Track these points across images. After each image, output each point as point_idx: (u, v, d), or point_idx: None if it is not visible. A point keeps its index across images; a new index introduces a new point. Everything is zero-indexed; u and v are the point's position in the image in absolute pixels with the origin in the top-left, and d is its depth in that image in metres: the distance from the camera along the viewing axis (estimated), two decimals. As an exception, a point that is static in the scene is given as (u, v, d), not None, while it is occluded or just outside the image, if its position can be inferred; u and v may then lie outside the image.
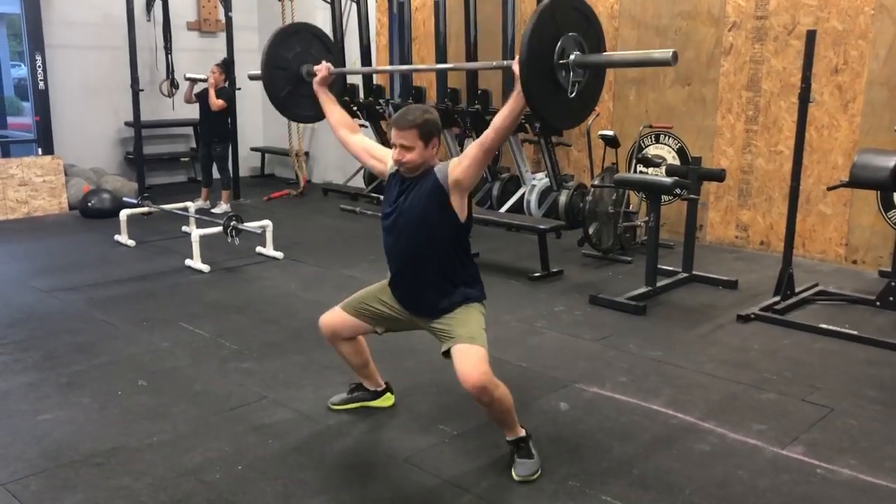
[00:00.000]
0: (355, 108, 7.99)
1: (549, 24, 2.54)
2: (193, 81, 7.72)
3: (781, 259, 4.92)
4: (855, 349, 4.15)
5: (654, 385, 3.66)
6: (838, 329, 4.35)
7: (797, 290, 4.96)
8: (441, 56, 7.37)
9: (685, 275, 5.35)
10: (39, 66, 7.87)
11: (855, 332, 4.29)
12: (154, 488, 2.73)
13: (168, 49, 8.91)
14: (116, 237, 6.46)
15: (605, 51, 2.79)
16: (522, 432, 2.88)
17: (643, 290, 4.94)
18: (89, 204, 7.50)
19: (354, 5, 8.03)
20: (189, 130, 9.47)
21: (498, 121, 2.66)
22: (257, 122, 10.00)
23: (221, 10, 8.63)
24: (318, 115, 3.48)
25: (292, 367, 3.84)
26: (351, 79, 8.07)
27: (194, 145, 9.43)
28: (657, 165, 6.08)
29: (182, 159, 9.67)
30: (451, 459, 2.95)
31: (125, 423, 3.24)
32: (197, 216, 6.55)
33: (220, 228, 5.83)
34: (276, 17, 8.77)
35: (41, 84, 7.92)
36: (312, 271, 5.68)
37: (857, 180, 4.54)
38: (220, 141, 7.74)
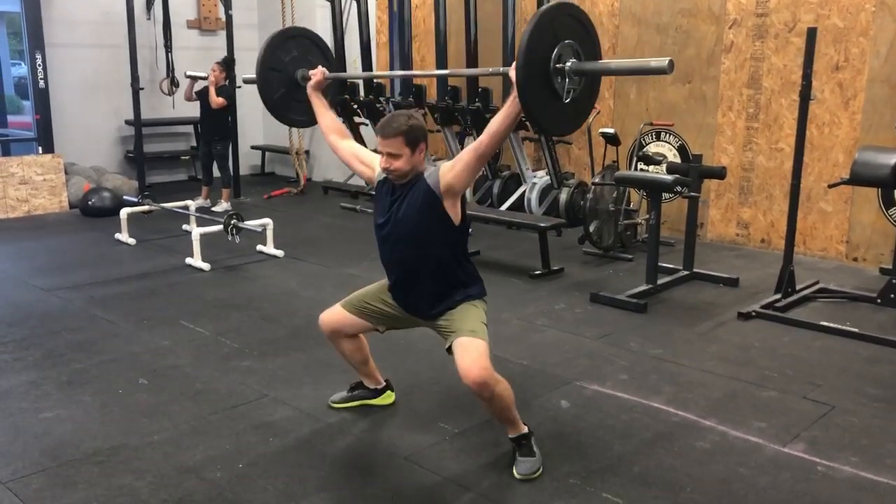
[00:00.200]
0: (355, 107, 7.99)
1: (546, 32, 2.56)
2: (194, 79, 7.72)
3: (782, 257, 4.92)
4: (856, 346, 4.15)
5: (655, 383, 3.66)
6: (839, 326, 4.35)
7: (798, 287, 4.95)
8: (441, 54, 7.36)
9: (686, 272, 5.35)
10: (39, 65, 7.86)
11: (856, 330, 4.29)
12: (155, 486, 2.73)
13: (168, 47, 8.90)
14: (117, 236, 6.46)
15: (601, 59, 2.80)
16: (524, 429, 2.87)
17: (644, 287, 4.94)
18: (90, 202, 7.50)
19: (354, 3, 8.03)
20: (189, 129, 9.46)
21: (493, 126, 2.65)
22: (258, 120, 9.99)
23: (221, 8, 8.62)
24: (310, 120, 3.48)
25: (293, 365, 3.85)
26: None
27: (195, 144, 9.43)
28: (658, 163, 6.08)
29: (182, 158, 9.67)
30: (452, 457, 2.95)
31: (126, 421, 3.24)
32: (197, 214, 6.55)
33: (220, 227, 5.83)
34: (276, 15, 8.76)
35: (41, 82, 7.91)
36: (313, 269, 5.68)
37: (858, 178, 4.53)
38: (220, 139, 7.74)
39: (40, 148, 8.00)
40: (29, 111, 9.09)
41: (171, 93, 8.93)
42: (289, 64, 3.59)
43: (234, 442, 3.06)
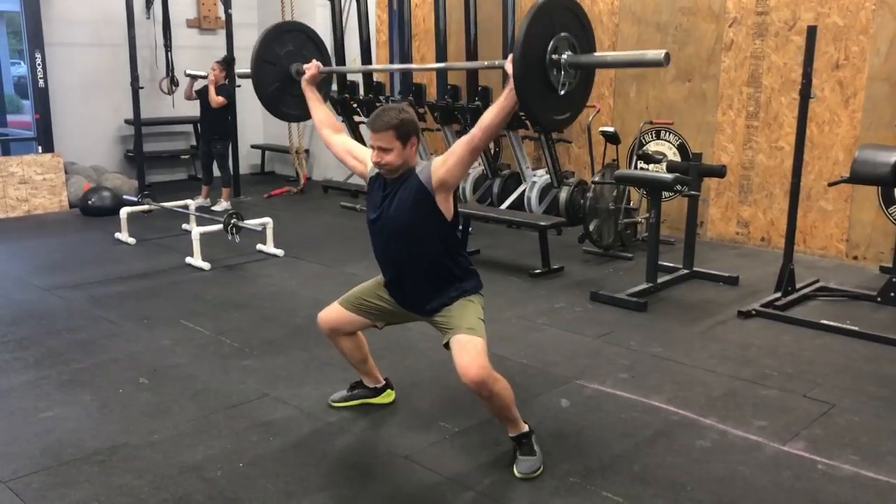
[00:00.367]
0: (355, 106, 7.99)
1: (543, 24, 2.55)
2: (194, 78, 7.73)
3: (782, 255, 4.92)
4: (856, 345, 4.15)
5: (655, 381, 3.66)
6: (839, 325, 4.35)
7: (798, 286, 4.95)
8: (441, 53, 7.36)
9: (686, 271, 5.35)
10: (39, 64, 7.86)
11: (856, 328, 4.29)
12: (155, 486, 2.73)
13: (168, 46, 8.90)
14: (117, 235, 6.46)
15: (596, 52, 2.80)
16: (525, 428, 2.87)
17: (644, 286, 4.94)
18: (89, 202, 7.50)
19: (354, 2, 8.02)
20: (189, 128, 9.46)
21: (487, 119, 2.64)
22: (257, 119, 9.98)
23: (221, 8, 8.62)
24: (304, 114, 3.47)
25: (293, 364, 3.85)
26: (351, 76, 8.07)
27: (194, 143, 9.43)
28: (658, 162, 6.08)
29: (182, 157, 9.66)
30: (453, 456, 2.95)
31: (126, 420, 3.24)
32: (197, 214, 6.55)
33: (220, 226, 5.84)
34: (276, 14, 8.75)
35: (41, 82, 7.91)
36: (313, 268, 5.68)
37: (858, 176, 4.53)
38: (220, 138, 7.74)
39: (40, 147, 8.00)
40: (28, 110, 9.08)
41: (170, 92, 8.93)
42: (284, 58, 3.56)
43: (235, 441, 3.06)
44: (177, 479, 2.77)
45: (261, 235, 6.01)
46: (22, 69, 10.77)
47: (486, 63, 3.49)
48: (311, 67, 3.31)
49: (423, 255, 2.84)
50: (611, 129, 6.27)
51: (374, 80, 7.89)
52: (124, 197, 7.09)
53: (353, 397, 3.35)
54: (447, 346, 2.81)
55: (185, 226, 6.61)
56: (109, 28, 8.51)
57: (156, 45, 8.90)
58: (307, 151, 9.61)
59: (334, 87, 8.10)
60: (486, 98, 6.89)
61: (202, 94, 7.56)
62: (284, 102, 3.64)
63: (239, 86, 7.94)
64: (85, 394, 3.49)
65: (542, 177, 7.06)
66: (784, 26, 5.98)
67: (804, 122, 4.70)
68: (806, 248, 6.03)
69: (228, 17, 8.36)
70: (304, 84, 3.33)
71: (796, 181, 4.80)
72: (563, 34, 2.60)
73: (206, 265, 5.61)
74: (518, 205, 7.02)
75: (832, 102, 5.80)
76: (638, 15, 6.76)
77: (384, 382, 3.38)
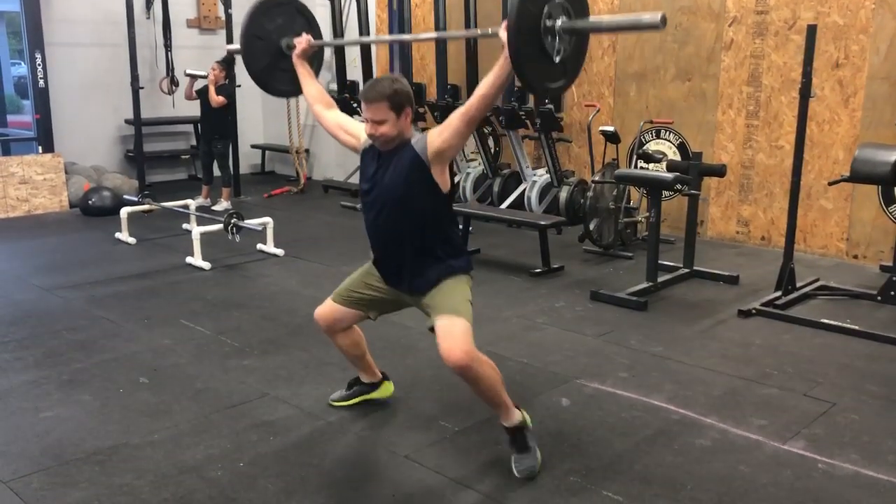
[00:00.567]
0: (356, 105, 7.98)
1: None
2: (194, 78, 7.72)
3: (782, 254, 4.92)
4: (856, 344, 4.15)
5: (656, 380, 3.66)
6: (839, 324, 4.35)
7: (798, 285, 4.95)
8: (441, 53, 7.37)
9: (686, 270, 5.35)
10: (39, 64, 7.87)
11: (856, 327, 4.29)
12: (156, 485, 2.73)
13: (168, 46, 8.90)
14: (117, 235, 6.46)
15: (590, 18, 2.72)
16: (517, 417, 2.82)
17: (644, 285, 4.94)
18: (90, 202, 7.50)
19: (354, 2, 8.02)
20: (189, 128, 9.46)
21: (482, 88, 2.58)
22: (258, 119, 9.99)
23: (221, 7, 8.62)
24: (296, 89, 3.39)
25: (293, 363, 3.85)
26: (351, 75, 8.07)
27: (195, 143, 9.43)
28: (658, 161, 6.08)
29: (182, 157, 9.66)
30: (453, 456, 2.95)
31: (126, 420, 3.24)
32: (197, 213, 6.55)
33: (220, 226, 5.84)
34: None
35: (41, 82, 7.92)
36: (313, 268, 5.68)
37: (858, 175, 4.53)
38: (220, 138, 7.74)
39: (40, 147, 8.00)
40: (29, 111, 9.09)
41: (170, 92, 8.93)
42: (273, 32, 3.47)
43: (235, 441, 3.06)
44: (177, 479, 2.77)
45: (261, 235, 6.01)
46: (22, 69, 10.77)
47: (479, 31, 3.41)
48: (302, 42, 3.25)
49: (415, 227, 2.78)
50: (611, 128, 6.27)
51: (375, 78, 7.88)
52: (125, 197, 7.09)
53: (352, 395, 3.34)
54: (433, 329, 2.76)
55: (185, 226, 6.61)
56: (109, 28, 8.51)
57: (156, 45, 8.90)
58: (307, 151, 9.61)
59: (334, 86, 8.13)
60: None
61: (202, 94, 7.56)
62: (276, 78, 3.55)
63: (239, 85, 7.94)
64: (85, 394, 3.49)
65: (542, 176, 7.06)
66: (784, 25, 5.98)
67: (804, 121, 4.70)
68: (806, 247, 6.03)
69: (228, 16, 8.35)
70: (295, 59, 3.27)
71: (796, 180, 4.80)
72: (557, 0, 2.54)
73: (206, 265, 5.61)
74: (518, 204, 7.02)
75: (832, 101, 5.80)
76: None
77: (381, 376, 3.36)
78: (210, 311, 4.69)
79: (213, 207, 7.60)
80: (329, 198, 8.49)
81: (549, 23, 2.53)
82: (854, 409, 3.36)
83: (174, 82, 8.91)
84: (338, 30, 8.07)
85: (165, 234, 6.64)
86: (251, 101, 9.30)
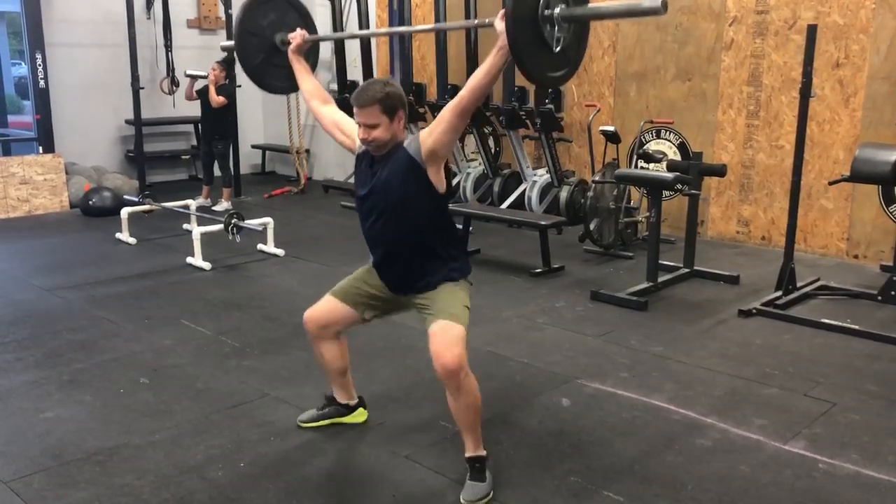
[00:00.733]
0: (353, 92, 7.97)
1: None
2: (194, 78, 7.73)
3: (783, 254, 4.91)
4: (857, 344, 4.15)
5: (656, 380, 3.66)
6: (840, 324, 4.34)
7: (799, 284, 4.95)
8: (441, 54, 7.37)
9: (686, 270, 5.35)
10: (40, 65, 7.87)
11: (857, 327, 4.29)
12: (156, 486, 2.73)
13: (168, 47, 8.90)
14: (117, 235, 6.46)
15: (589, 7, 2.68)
16: (483, 451, 2.74)
17: (644, 285, 4.93)
18: (90, 202, 7.50)
19: (354, 2, 8.02)
20: (190, 128, 9.46)
21: (474, 80, 2.50)
22: (258, 119, 9.99)
23: (221, 8, 8.62)
24: (292, 86, 3.34)
25: (294, 363, 3.85)
26: (352, 76, 8.07)
27: (195, 143, 9.43)
28: (658, 161, 6.08)
29: (183, 157, 9.66)
30: (454, 456, 2.94)
31: (127, 420, 3.24)
32: (198, 214, 6.55)
33: (221, 226, 5.84)
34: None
35: (41, 82, 7.92)
36: (313, 268, 5.68)
37: (859, 175, 4.53)
38: (221, 138, 7.74)
39: (41, 148, 8.01)
40: (29, 111, 9.10)
41: (171, 92, 8.93)
42: (266, 28, 3.42)
43: (236, 441, 3.06)
44: (178, 479, 2.77)
45: (261, 235, 6.01)
46: (23, 70, 10.77)
47: (475, 21, 3.37)
48: (297, 37, 3.16)
49: (413, 231, 2.73)
50: (611, 128, 6.27)
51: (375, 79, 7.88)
52: (125, 197, 7.09)
53: (323, 416, 3.19)
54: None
55: (185, 226, 6.61)
56: (110, 28, 8.51)
57: (156, 46, 8.90)
58: (308, 151, 9.61)
59: (335, 86, 8.12)
60: (487, 98, 6.90)
61: (203, 95, 7.57)
62: (271, 74, 3.50)
63: (239, 86, 7.94)
64: (86, 394, 3.50)
65: (542, 176, 7.06)
66: (784, 25, 5.98)
67: (804, 120, 4.70)
68: (806, 246, 6.02)
69: (229, 17, 8.35)
70: (290, 54, 3.20)
71: (797, 180, 4.80)
72: None
73: (206, 265, 5.61)
74: (518, 204, 7.02)
75: (832, 101, 5.80)
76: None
77: (357, 400, 3.22)
78: (210, 311, 4.69)
79: (214, 208, 7.60)
80: (329, 198, 8.49)
81: (547, 12, 2.48)
82: (855, 409, 3.36)
83: (174, 82, 8.91)
84: (338, 29, 8.07)
85: (166, 234, 6.64)
86: (251, 101, 9.29)
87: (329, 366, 3.08)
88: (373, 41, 8.33)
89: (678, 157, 6.37)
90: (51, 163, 7.73)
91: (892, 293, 4.69)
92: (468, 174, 7.58)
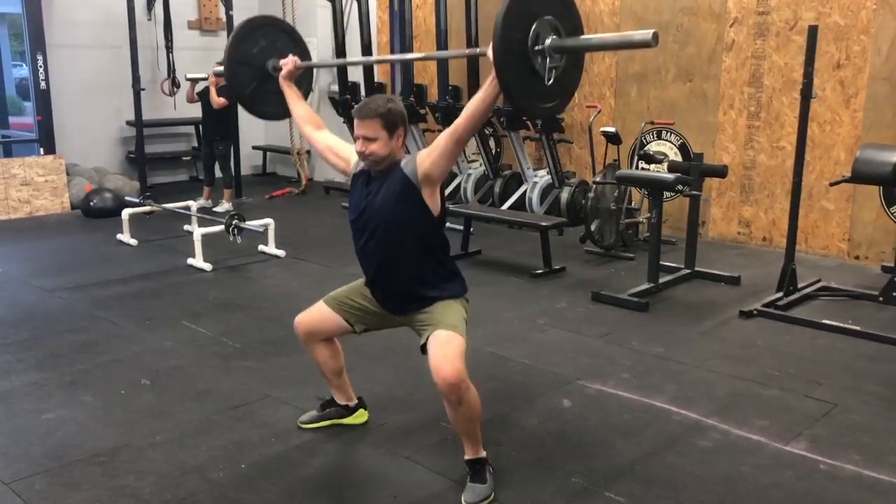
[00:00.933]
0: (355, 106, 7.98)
1: (522, 7, 2.42)
2: (194, 81, 7.73)
3: (784, 255, 4.91)
4: (858, 345, 4.15)
5: (657, 382, 3.66)
6: (841, 325, 4.34)
7: (800, 285, 4.95)
8: (442, 53, 7.37)
9: (687, 271, 5.35)
10: (41, 66, 7.87)
11: (858, 328, 4.29)
12: (158, 487, 2.73)
13: (169, 48, 8.91)
14: (118, 236, 6.47)
15: (583, 33, 2.64)
16: (483, 453, 2.73)
17: (646, 286, 4.93)
18: (91, 203, 7.50)
19: (355, 3, 8.02)
20: (191, 129, 9.47)
21: (470, 108, 2.51)
22: (259, 120, 9.96)
23: (222, 9, 8.63)
24: (285, 112, 3.33)
25: (295, 365, 3.84)
26: (352, 76, 8.08)
27: (196, 144, 9.44)
28: (659, 162, 6.08)
29: (184, 158, 9.67)
30: (454, 457, 2.94)
31: (128, 421, 3.24)
32: (199, 215, 6.55)
33: (222, 227, 5.84)
34: (277, 16, 8.75)
35: (42, 84, 7.92)
36: (314, 269, 5.68)
37: (860, 176, 4.53)
38: (222, 139, 7.74)
39: (42, 149, 8.01)
40: (30, 112, 9.10)
41: (172, 93, 8.94)
42: (257, 56, 3.42)
43: (237, 442, 3.06)
44: (179, 480, 2.77)
45: (262, 236, 6.01)
46: (24, 71, 10.77)
47: (466, 51, 3.32)
48: (288, 63, 3.17)
49: (407, 252, 2.72)
50: (612, 129, 6.27)
51: (376, 80, 7.90)
52: (126, 198, 7.10)
53: (324, 417, 3.18)
54: (424, 348, 2.65)
55: (186, 227, 6.62)
56: (111, 29, 8.52)
57: (157, 47, 8.90)
58: (308, 153, 9.60)
59: (335, 87, 8.12)
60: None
61: (204, 96, 7.57)
62: (263, 101, 3.50)
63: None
64: (87, 395, 3.50)
65: (543, 177, 7.06)
66: (785, 26, 5.98)
67: (805, 121, 4.70)
68: (807, 247, 6.02)
69: (229, 18, 8.36)
70: (281, 81, 3.20)
71: (798, 181, 4.80)
72: (546, 17, 2.46)
73: (207, 266, 5.61)
74: (519, 205, 7.02)
75: (833, 102, 5.80)
76: (639, 15, 6.76)
77: (357, 401, 3.21)
78: (211, 312, 4.69)
79: (215, 209, 7.60)
80: (330, 199, 8.49)
81: (537, 47, 2.45)
82: (856, 410, 3.36)
83: (175, 84, 8.92)
84: (339, 31, 8.07)
85: (167, 235, 6.64)
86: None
87: (323, 367, 3.08)
88: (374, 41, 8.33)
89: (679, 158, 6.37)
90: (52, 164, 7.73)
91: (894, 294, 4.69)
92: (469, 175, 7.59)
